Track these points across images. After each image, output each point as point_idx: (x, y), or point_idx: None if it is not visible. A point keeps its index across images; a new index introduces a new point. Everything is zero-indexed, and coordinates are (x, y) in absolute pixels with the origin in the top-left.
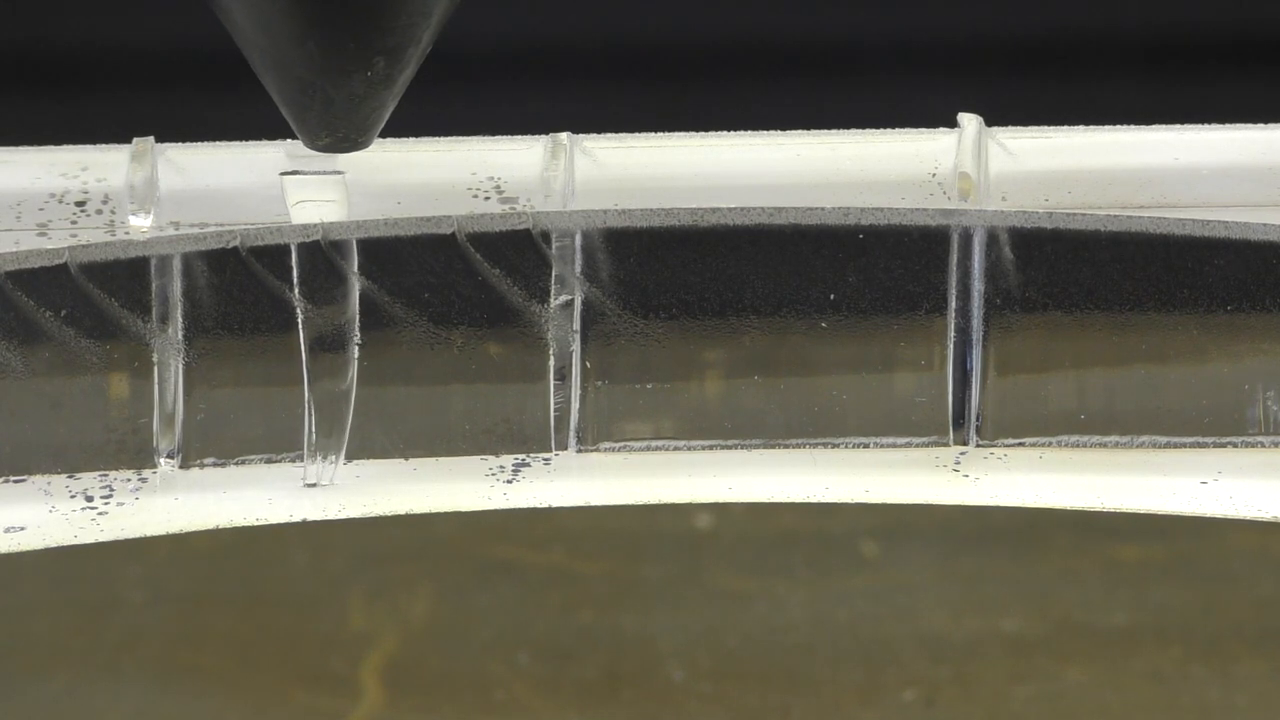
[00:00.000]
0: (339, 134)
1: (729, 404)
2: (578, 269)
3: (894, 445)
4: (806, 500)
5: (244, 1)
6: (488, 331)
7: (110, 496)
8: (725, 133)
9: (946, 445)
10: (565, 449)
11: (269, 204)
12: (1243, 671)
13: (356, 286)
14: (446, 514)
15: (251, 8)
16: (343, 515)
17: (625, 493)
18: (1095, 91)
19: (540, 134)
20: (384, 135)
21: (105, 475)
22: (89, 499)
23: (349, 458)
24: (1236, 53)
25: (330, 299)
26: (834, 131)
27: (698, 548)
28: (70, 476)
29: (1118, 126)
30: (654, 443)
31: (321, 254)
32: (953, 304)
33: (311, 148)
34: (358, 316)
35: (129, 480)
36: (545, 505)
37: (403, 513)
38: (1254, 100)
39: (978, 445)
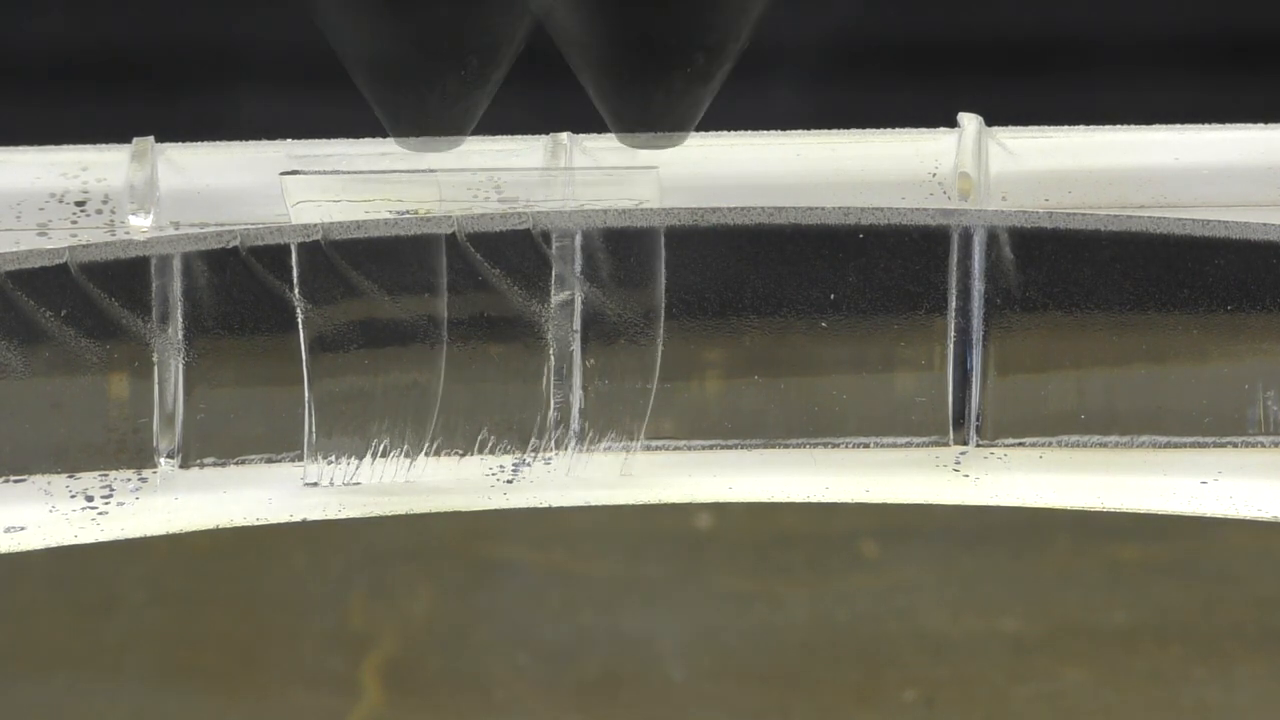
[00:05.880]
0: (655, 129)
1: (729, 404)
2: (578, 269)
3: (894, 445)
4: (806, 500)
5: (336, 2)
6: (488, 331)
7: (110, 496)
8: (725, 133)
9: (946, 445)
10: (565, 449)
11: (269, 204)
12: (1243, 671)
13: (445, 280)
14: (446, 514)
15: (574, 5)
16: (343, 515)
17: (625, 493)
18: (1095, 91)
19: (540, 134)
20: (378, 135)
21: (105, 475)
22: (89, 499)
23: (355, 457)
24: (1236, 53)
25: (330, 299)
26: (834, 131)
27: (698, 548)
28: (70, 476)
29: (1118, 126)
30: (654, 443)
31: (322, 254)
32: (953, 304)
33: (626, 143)
34: (446, 309)
35: (129, 480)
36: (545, 505)
37: (403, 513)
38: (1254, 100)
39: (978, 445)
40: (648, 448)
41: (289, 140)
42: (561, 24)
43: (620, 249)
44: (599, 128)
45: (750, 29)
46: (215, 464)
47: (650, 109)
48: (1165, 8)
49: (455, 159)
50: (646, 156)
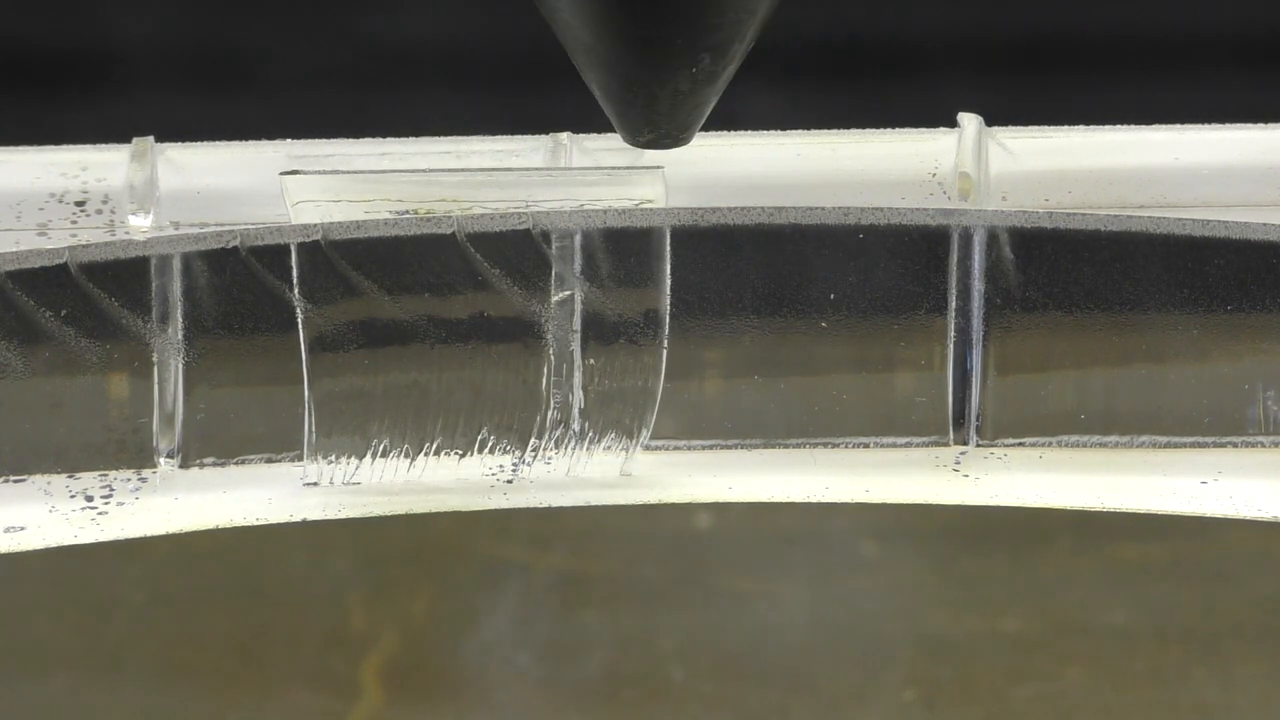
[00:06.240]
0: (660, 130)
1: (729, 404)
2: (577, 269)
3: (894, 445)
4: (806, 500)
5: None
6: (488, 331)
7: (110, 496)
8: (725, 133)
9: (946, 445)
10: (563, 449)
11: (269, 204)
12: (1243, 671)
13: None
14: (446, 514)
15: (579, 6)
16: (343, 515)
17: (625, 493)
18: (1095, 91)
19: (540, 134)
20: (384, 134)
21: (105, 475)
22: (89, 499)
23: (355, 457)
24: (1236, 53)
25: (330, 299)
26: (834, 131)
27: (698, 548)
28: (70, 476)
29: (1118, 126)
30: (654, 443)
31: (322, 254)
32: (953, 304)
33: (631, 144)
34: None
35: (129, 480)
36: (545, 505)
37: (403, 513)
38: (1254, 100)
39: (978, 445)
40: (648, 447)
41: (289, 140)
42: (567, 25)
43: (620, 249)
44: (599, 128)
45: (756, 30)
46: (215, 464)
47: (656, 110)
48: (1164, 8)
49: (455, 159)
50: (652, 156)
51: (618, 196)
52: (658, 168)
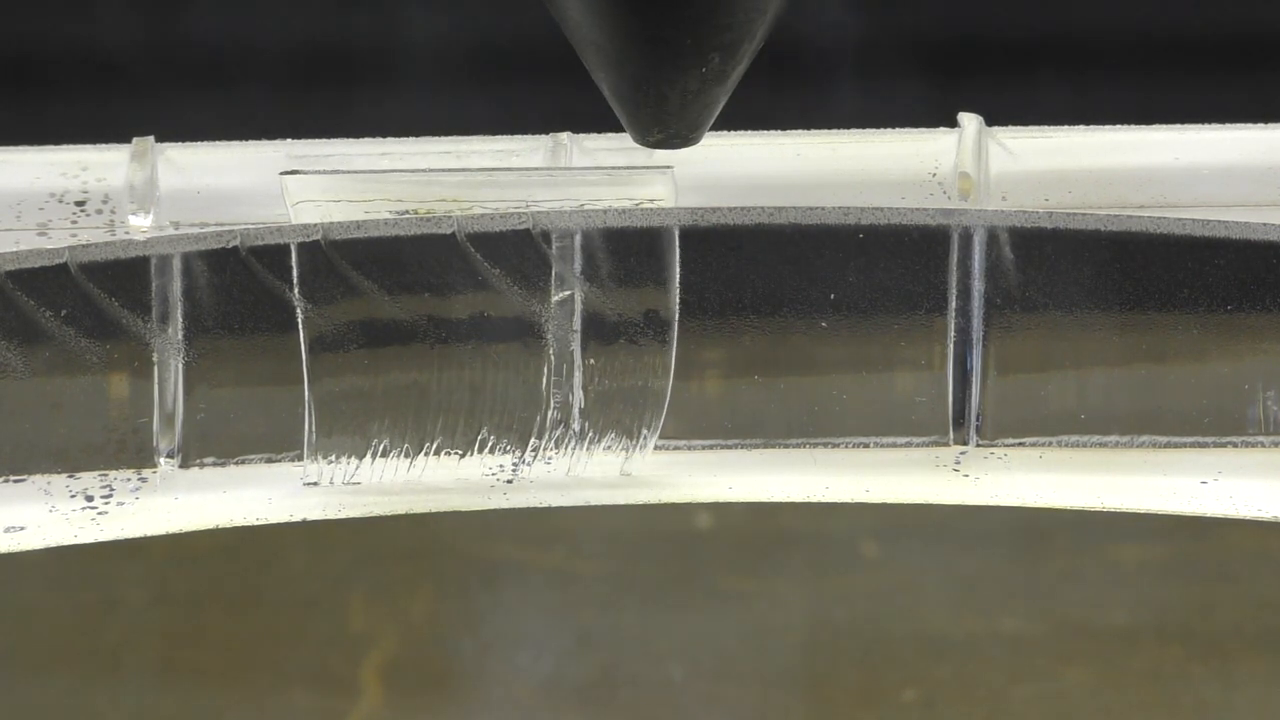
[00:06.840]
0: (670, 130)
1: (729, 404)
2: (577, 269)
3: (894, 445)
4: (806, 500)
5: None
6: (488, 331)
7: (110, 496)
8: (725, 132)
9: (946, 445)
10: (563, 449)
11: (269, 204)
12: (1243, 671)
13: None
14: (446, 514)
15: (589, 5)
16: (343, 515)
17: (625, 493)
18: (1095, 91)
19: (540, 134)
20: (384, 134)
21: (105, 475)
22: (89, 499)
23: (355, 456)
24: (1236, 53)
25: (330, 299)
26: (834, 131)
27: (698, 548)
28: (70, 476)
29: (1118, 126)
30: (654, 442)
31: (322, 254)
32: (953, 304)
33: (641, 143)
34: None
35: (129, 480)
36: (545, 505)
37: (403, 513)
38: (1254, 100)
39: (978, 445)
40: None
41: (289, 140)
42: (576, 24)
43: (621, 248)
44: (599, 127)
45: (766, 30)
46: (215, 464)
47: (666, 109)
48: (1165, 8)
49: (455, 159)
50: (661, 156)
51: (618, 197)
52: (667, 168)
